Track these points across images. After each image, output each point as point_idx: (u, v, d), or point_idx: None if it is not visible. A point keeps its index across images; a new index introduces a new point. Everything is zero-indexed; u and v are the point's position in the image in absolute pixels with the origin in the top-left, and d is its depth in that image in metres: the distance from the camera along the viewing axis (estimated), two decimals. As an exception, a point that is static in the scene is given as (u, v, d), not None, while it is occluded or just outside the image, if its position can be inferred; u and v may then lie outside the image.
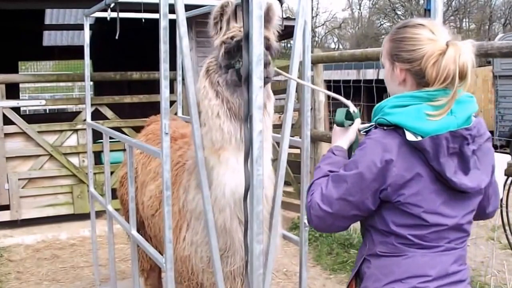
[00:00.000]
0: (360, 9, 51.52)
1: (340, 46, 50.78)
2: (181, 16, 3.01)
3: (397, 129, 2.21)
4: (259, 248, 2.29)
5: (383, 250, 2.33)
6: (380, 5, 46.95)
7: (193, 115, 3.08)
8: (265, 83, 2.66)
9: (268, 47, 2.87)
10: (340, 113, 2.59)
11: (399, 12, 46.29)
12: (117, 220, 4.58)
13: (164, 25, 3.01)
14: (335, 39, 53.21)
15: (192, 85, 3.08)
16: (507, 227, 5.70)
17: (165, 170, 3.13)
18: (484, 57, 8.22)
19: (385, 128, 2.25)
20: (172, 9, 2.92)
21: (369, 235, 2.41)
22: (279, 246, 3.51)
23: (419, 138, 2.14)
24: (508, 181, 5.15)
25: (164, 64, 3.04)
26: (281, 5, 3.06)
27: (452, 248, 2.30)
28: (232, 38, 2.87)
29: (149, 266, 5.11)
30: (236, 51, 2.81)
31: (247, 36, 2.11)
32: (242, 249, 3.13)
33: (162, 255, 3.34)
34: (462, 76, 2.18)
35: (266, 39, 2.81)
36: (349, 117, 2.60)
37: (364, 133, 2.42)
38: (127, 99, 9.69)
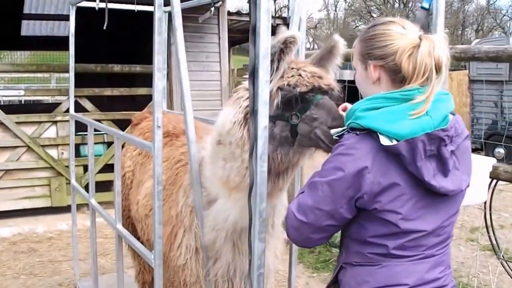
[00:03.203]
0: (336, 11, 51.78)
1: (315, 46, 50.91)
2: (176, 7, 2.95)
3: (371, 133, 2.11)
4: (261, 246, 2.23)
5: (358, 260, 2.26)
6: (356, 7, 47.19)
7: (187, 110, 3.03)
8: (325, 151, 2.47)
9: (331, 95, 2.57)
10: None
11: (374, 15, 46.61)
12: (101, 214, 4.49)
13: (158, 16, 2.95)
14: (311, 39, 53.34)
15: (187, 78, 3.03)
16: (490, 229, 5.72)
17: (156, 165, 3.07)
18: (471, 61, 8.27)
19: (358, 133, 2.14)
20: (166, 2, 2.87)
21: (345, 243, 2.35)
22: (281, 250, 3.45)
23: (394, 142, 2.05)
24: (492, 184, 5.18)
25: (158, 56, 2.97)
26: (274, 1, 2.95)
27: (431, 255, 2.23)
28: (294, 86, 2.47)
29: (151, 278, 4.50)
30: (296, 103, 2.46)
31: (254, 29, 2.05)
32: (227, 267, 3.09)
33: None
34: (438, 69, 2.13)
35: (330, 87, 2.53)
36: None
37: (337, 137, 2.28)
38: (108, 91, 9.61)
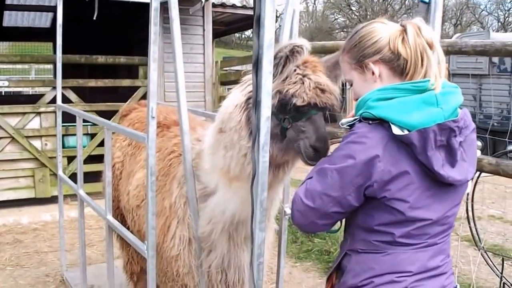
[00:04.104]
0: (314, 3, 51.60)
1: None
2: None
3: (382, 123, 2.15)
4: (262, 236, 2.27)
5: (363, 247, 2.31)
6: (335, 0, 47.13)
7: (181, 101, 3.06)
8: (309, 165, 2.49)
9: (328, 110, 2.60)
10: None
11: (353, 8, 46.56)
12: (90, 205, 4.51)
13: (155, 6, 2.97)
14: (289, 31, 53.28)
15: (182, 69, 3.06)
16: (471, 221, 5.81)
17: (150, 156, 3.10)
18: (458, 54, 8.36)
19: (370, 122, 2.18)
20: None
21: (351, 231, 2.39)
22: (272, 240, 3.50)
23: (406, 132, 2.10)
24: (475, 176, 5.26)
25: (154, 46, 3.00)
26: None
27: (434, 244, 2.29)
28: (292, 96, 2.49)
29: (139, 268, 4.70)
30: (290, 110, 2.50)
31: (258, 20, 2.08)
32: (221, 259, 3.14)
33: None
34: (432, 46, 2.22)
35: (327, 105, 2.53)
36: None
37: (348, 127, 2.34)
38: (92, 82, 9.59)
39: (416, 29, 2.22)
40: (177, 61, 3.02)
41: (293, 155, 2.67)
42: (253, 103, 2.23)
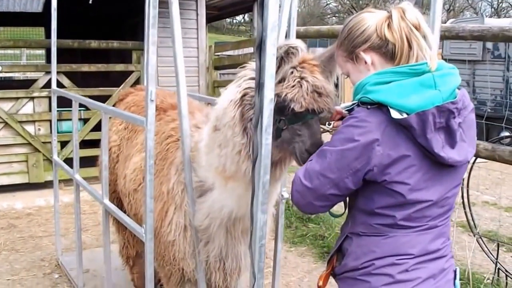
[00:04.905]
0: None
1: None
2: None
3: (381, 107, 2.16)
4: (263, 218, 2.28)
5: (364, 230, 2.33)
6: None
7: (180, 84, 3.05)
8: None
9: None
10: None
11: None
12: (86, 189, 4.50)
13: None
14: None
15: (181, 53, 3.04)
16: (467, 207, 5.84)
17: (149, 139, 3.09)
18: (455, 40, 8.35)
19: (368, 107, 2.19)
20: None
21: (352, 214, 2.41)
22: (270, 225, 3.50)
23: (404, 116, 2.10)
24: (471, 161, 5.28)
25: (152, 30, 2.98)
26: None
27: (435, 226, 2.31)
28: (291, 100, 2.43)
29: (135, 252, 4.70)
30: (287, 113, 2.45)
31: (262, 2, 2.06)
32: (219, 250, 3.17)
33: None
34: (418, 28, 2.23)
35: (324, 110, 2.48)
36: None
37: (347, 111, 2.37)
38: (85, 67, 9.52)
39: (401, 13, 2.24)
40: (176, 45, 3.00)
41: (287, 154, 2.65)
42: (256, 85, 2.23)
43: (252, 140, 2.42)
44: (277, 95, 2.41)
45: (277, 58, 2.31)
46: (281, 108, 2.42)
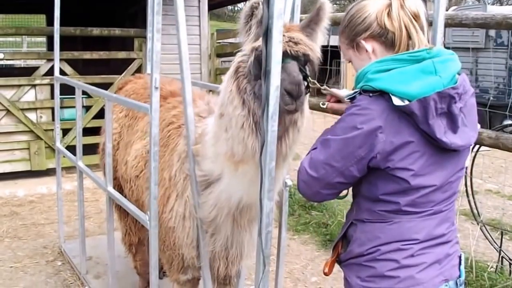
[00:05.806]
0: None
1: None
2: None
3: (383, 95, 2.17)
4: (270, 205, 2.28)
5: (369, 217, 2.34)
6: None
7: (184, 71, 3.03)
8: (291, 113, 2.47)
9: (305, 62, 2.52)
10: None
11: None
12: (90, 177, 4.51)
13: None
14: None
15: (185, 39, 3.03)
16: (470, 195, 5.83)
17: (153, 126, 3.09)
18: (459, 27, 8.29)
19: (370, 95, 2.20)
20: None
21: (357, 201, 2.42)
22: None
23: (406, 102, 2.11)
24: (475, 149, 5.27)
25: (157, 16, 2.97)
26: None
27: (439, 211, 2.32)
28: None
29: (137, 240, 4.67)
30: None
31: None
32: (225, 240, 3.17)
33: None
34: (417, 17, 2.24)
35: (299, 53, 2.46)
36: None
37: (349, 100, 2.36)
38: (87, 55, 9.47)
39: (401, 1, 2.24)
40: (180, 32, 2.99)
41: (282, 118, 2.54)
42: (263, 72, 2.23)
43: (252, 110, 2.48)
44: (255, 49, 2.43)
45: (244, 17, 2.42)
46: (260, 60, 2.37)
